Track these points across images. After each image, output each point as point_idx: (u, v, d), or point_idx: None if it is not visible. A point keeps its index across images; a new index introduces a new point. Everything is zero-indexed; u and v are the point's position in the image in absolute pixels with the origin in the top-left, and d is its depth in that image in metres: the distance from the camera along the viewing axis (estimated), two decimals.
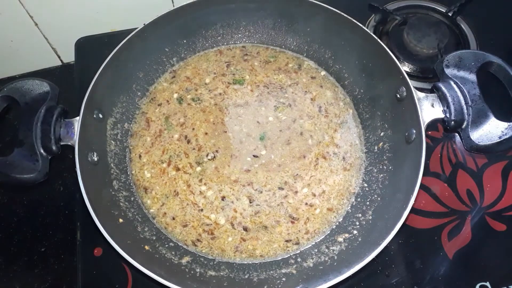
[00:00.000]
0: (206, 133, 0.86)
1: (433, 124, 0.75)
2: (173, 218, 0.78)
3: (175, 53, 0.93)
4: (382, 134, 0.82)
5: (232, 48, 0.96)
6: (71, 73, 1.04)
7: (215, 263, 0.75)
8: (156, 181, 0.82)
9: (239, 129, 0.86)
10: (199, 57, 0.95)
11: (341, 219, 0.78)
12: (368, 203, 0.77)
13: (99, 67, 0.77)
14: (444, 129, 0.86)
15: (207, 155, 0.83)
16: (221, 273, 0.73)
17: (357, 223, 0.76)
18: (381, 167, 0.80)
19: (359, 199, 0.79)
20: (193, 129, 0.86)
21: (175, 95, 0.90)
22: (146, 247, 0.72)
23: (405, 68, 0.95)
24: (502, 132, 0.70)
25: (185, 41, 0.93)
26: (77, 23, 1.02)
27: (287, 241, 0.76)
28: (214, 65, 0.94)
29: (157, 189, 0.81)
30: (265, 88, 0.91)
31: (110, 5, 1.01)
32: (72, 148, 0.71)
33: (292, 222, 0.78)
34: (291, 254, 0.75)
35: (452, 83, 0.74)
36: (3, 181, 0.70)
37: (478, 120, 0.71)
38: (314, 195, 0.80)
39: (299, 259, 0.74)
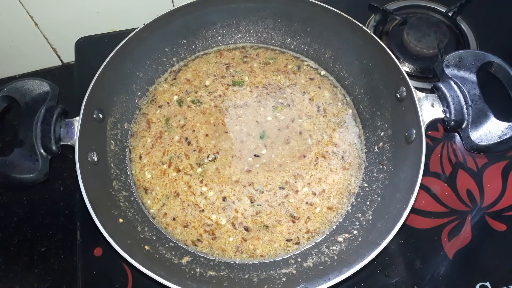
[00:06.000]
0: (206, 135, 0.86)
1: (433, 124, 0.76)
2: (174, 219, 0.78)
3: (175, 53, 0.93)
4: (382, 134, 0.83)
5: (232, 49, 0.96)
6: (71, 73, 1.04)
7: (215, 263, 0.75)
8: (157, 182, 0.82)
9: (239, 129, 0.86)
10: (199, 59, 0.95)
11: (341, 219, 0.78)
12: (368, 203, 0.77)
13: (99, 67, 0.77)
14: (444, 129, 0.86)
15: (207, 157, 0.83)
16: (221, 273, 0.73)
17: (357, 223, 0.76)
18: (381, 167, 0.80)
19: (359, 199, 0.79)
20: (194, 131, 0.86)
21: (175, 97, 0.90)
22: (146, 247, 0.72)
23: (405, 68, 0.95)
24: (502, 132, 0.70)
25: (185, 41, 0.93)
26: (77, 23, 1.02)
27: (287, 240, 0.76)
28: (214, 67, 0.94)
29: (157, 190, 0.81)
30: (264, 89, 0.91)
31: (110, 5, 1.01)
32: (72, 148, 0.71)
33: (293, 221, 0.78)
34: (291, 254, 0.76)
35: (452, 83, 0.74)
36: (3, 181, 0.70)
37: (478, 120, 0.71)
38: (314, 194, 0.80)
39: (299, 259, 0.74)
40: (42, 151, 0.71)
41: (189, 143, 0.85)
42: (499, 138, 0.70)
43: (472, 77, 0.74)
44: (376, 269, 0.76)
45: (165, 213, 0.79)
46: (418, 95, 0.73)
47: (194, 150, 0.84)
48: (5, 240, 0.87)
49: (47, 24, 1.01)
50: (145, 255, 0.70)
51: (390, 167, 0.78)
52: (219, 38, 0.96)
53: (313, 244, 0.76)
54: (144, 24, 0.83)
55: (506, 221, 0.79)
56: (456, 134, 0.82)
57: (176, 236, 0.77)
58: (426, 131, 0.71)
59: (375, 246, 0.63)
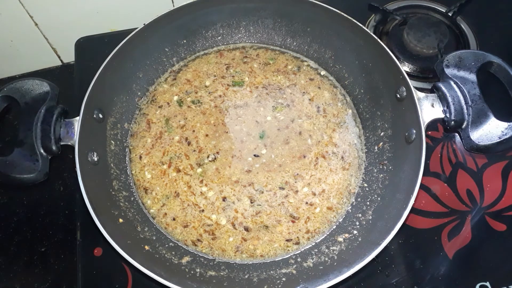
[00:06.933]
0: (206, 135, 0.86)
1: (433, 124, 0.75)
2: (174, 219, 0.78)
3: (175, 53, 0.93)
4: (382, 134, 0.83)
5: (232, 50, 0.96)
6: (71, 73, 1.04)
7: (215, 263, 0.75)
8: (157, 182, 0.82)
9: (239, 129, 0.86)
10: (199, 59, 0.95)
11: (341, 219, 0.78)
12: (368, 203, 0.77)
13: (99, 67, 0.77)
14: (444, 129, 0.86)
15: (207, 157, 0.83)
16: (221, 273, 0.73)
17: (357, 223, 0.76)
18: (381, 167, 0.80)
19: (359, 199, 0.79)
20: (194, 131, 0.86)
21: (175, 98, 0.90)
22: (146, 247, 0.72)
23: (405, 68, 0.95)
24: (502, 132, 0.70)
25: (185, 41, 0.93)
26: (77, 23, 1.02)
27: (287, 240, 0.76)
28: (214, 67, 0.94)
29: (157, 190, 0.81)
30: (264, 89, 0.91)
31: (110, 5, 1.02)
32: (72, 148, 0.71)
33: (293, 221, 0.78)
34: (291, 254, 0.76)
35: (452, 83, 0.74)
36: (3, 181, 0.70)
37: (478, 120, 0.71)
38: (314, 194, 0.80)
39: (299, 259, 0.74)
40: (42, 151, 0.71)
41: (189, 143, 0.85)
42: (499, 138, 0.70)
43: (472, 77, 0.74)
44: (376, 269, 0.76)
45: (165, 213, 0.79)
46: (418, 95, 0.73)
47: (194, 150, 0.84)
48: (5, 240, 0.87)
49: (47, 24, 1.01)
50: (145, 255, 0.70)
51: (390, 167, 0.78)
52: (219, 38, 0.96)
53: (313, 244, 0.76)
54: (144, 24, 0.83)
55: (506, 221, 0.79)
56: (456, 134, 0.82)
57: (176, 236, 0.77)
58: (426, 131, 0.71)
59: (375, 246, 0.63)
